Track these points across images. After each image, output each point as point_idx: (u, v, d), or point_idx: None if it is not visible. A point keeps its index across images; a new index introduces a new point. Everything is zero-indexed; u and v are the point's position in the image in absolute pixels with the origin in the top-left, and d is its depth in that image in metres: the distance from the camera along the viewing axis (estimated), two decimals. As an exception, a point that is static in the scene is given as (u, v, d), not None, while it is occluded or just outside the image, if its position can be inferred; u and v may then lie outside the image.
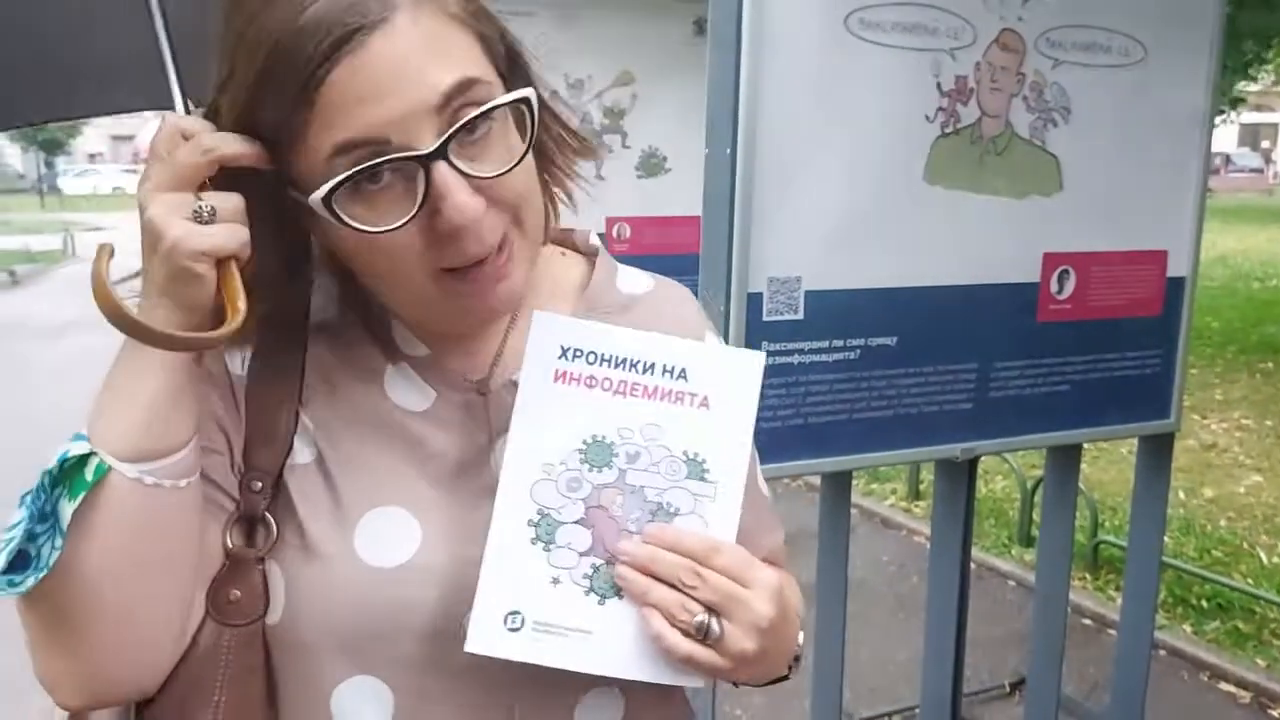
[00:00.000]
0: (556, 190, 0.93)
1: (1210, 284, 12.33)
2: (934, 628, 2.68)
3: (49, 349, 9.72)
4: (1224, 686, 3.76)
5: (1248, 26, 8.62)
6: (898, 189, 2.08)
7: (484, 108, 0.75)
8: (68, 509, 0.72)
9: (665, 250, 4.32)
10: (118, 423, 0.74)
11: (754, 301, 1.99)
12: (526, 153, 0.79)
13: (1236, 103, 14.75)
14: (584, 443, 0.78)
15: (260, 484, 0.83)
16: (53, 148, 45.21)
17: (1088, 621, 4.21)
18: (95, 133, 50.39)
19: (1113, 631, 3.72)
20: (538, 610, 0.76)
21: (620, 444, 0.78)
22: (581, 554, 0.77)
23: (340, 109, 0.71)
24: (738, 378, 0.80)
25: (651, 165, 4.32)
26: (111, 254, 0.71)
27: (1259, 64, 11.80)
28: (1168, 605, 4.23)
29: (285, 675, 0.84)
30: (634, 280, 1.01)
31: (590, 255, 1.00)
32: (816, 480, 3.10)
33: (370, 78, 0.71)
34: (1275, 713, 3.59)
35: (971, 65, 2.10)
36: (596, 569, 0.77)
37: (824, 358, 2.08)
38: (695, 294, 1.05)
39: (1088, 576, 4.54)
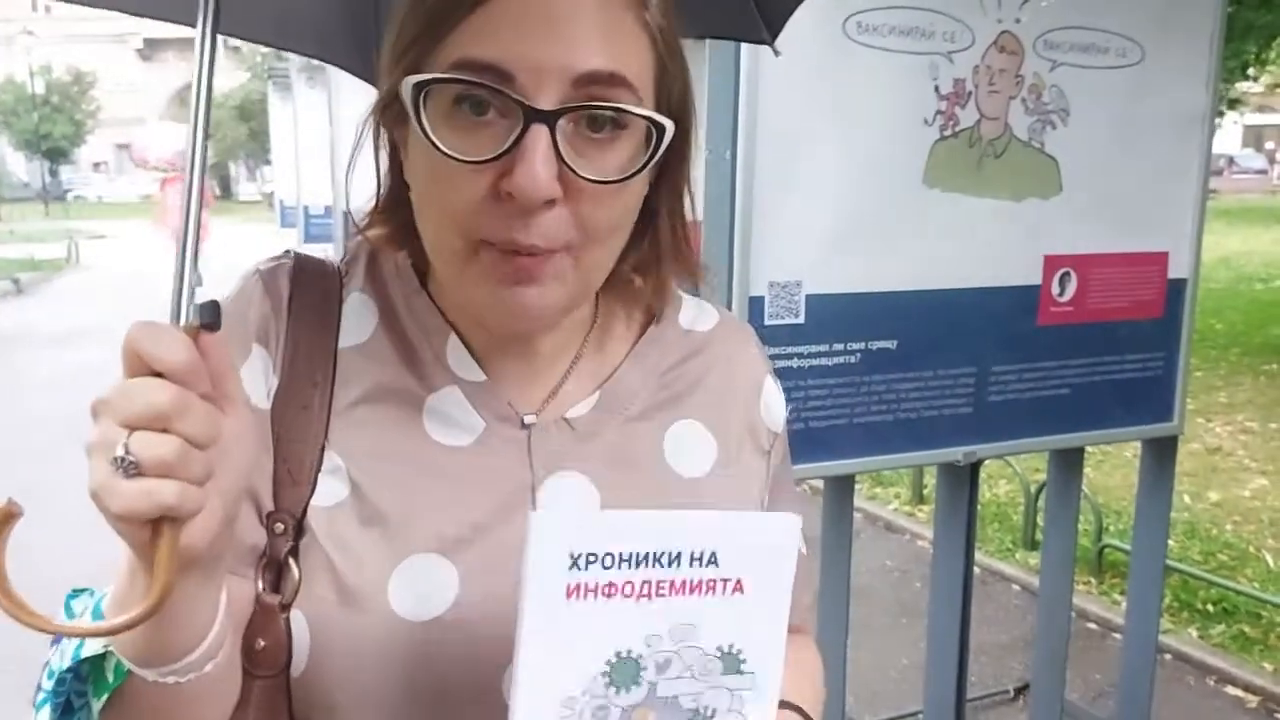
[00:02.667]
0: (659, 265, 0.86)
1: (1214, 286, 12.31)
2: (937, 633, 2.67)
3: (54, 356, 9.74)
4: (1230, 691, 3.74)
5: (1244, 25, 8.61)
6: (897, 192, 2.08)
7: (614, 105, 0.70)
8: (95, 704, 0.70)
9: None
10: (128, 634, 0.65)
11: (755, 305, 1.99)
12: (630, 177, 0.72)
13: (1235, 103, 14.74)
14: (608, 664, 0.66)
15: (283, 526, 0.77)
16: (57, 156, 45.39)
17: (1092, 626, 4.20)
18: (99, 141, 50.53)
19: (1118, 636, 3.70)
20: None
21: (649, 655, 0.67)
22: None
23: (493, 27, 0.69)
24: (773, 548, 0.69)
25: (653, 170, 4.33)
26: (16, 517, 0.59)
27: (1259, 64, 11.78)
28: (1173, 609, 4.22)
29: None
30: (698, 314, 0.94)
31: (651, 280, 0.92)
32: (819, 484, 3.09)
33: (536, 17, 0.69)
34: (1282, 716, 3.58)
35: (970, 68, 2.09)
36: None
37: (825, 361, 2.08)
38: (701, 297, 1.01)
39: (1092, 581, 4.52)
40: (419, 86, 0.70)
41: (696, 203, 0.86)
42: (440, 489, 0.79)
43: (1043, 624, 2.80)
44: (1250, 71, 11.98)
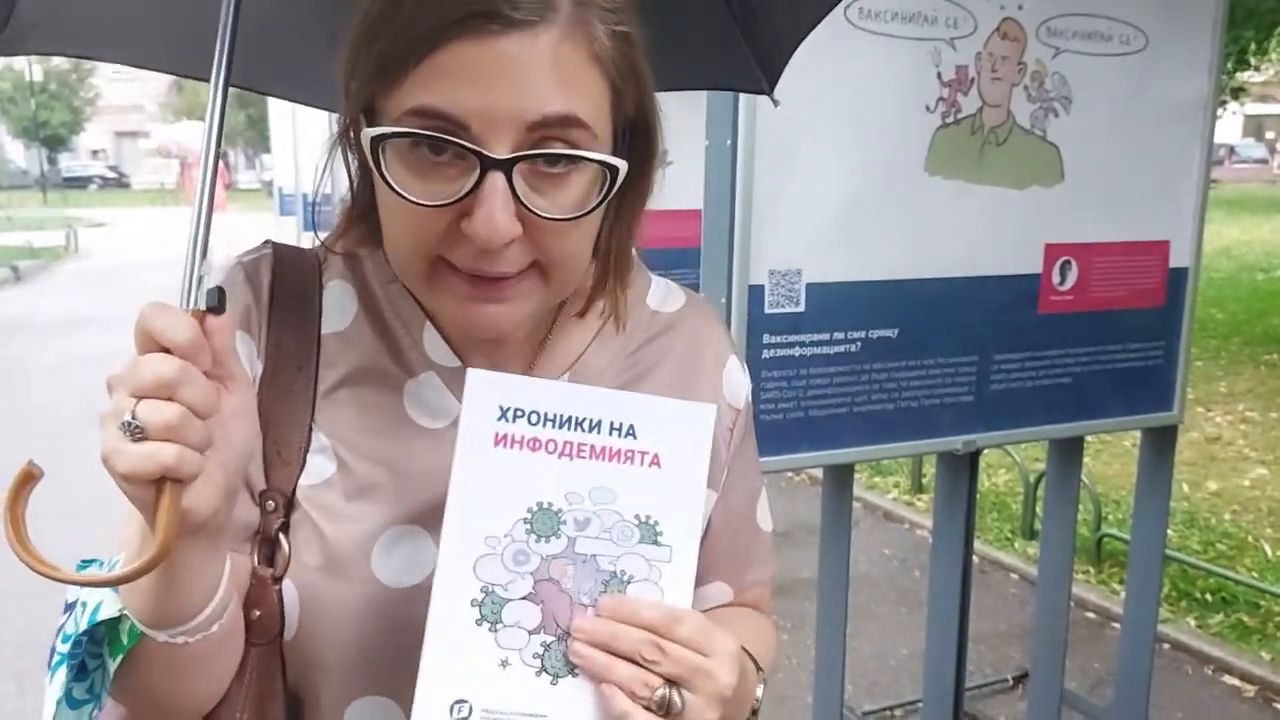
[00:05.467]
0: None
1: (1215, 275, 12.31)
2: (936, 621, 2.67)
3: (52, 344, 9.73)
4: (1228, 680, 3.74)
5: (1245, 12, 8.57)
6: (898, 180, 2.07)
7: (569, 152, 0.73)
8: (110, 664, 0.74)
9: (667, 244, 4.31)
10: (137, 593, 0.71)
11: (755, 294, 1.98)
12: (587, 214, 0.75)
13: (1237, 92, 14.70)
14: (529, 511, 0.73)
15: (274, 503, 0.82)
16: (55, 143, 45.30)
17: (1091, 615, 4.20)
18: (98, 128, 50.41)
19: (1116, 625, 3.71)
20: (486, 697, 0.72)
21: (568, 510, 0.73)
22: (531, 632, 0.73)
23: (444, 77, 0.71)
24: (688, 432, 0.75)
25: (653, 158, 4.30)
26: (36, 478, 0.65)
27: (1260, 53, 11.74)
28: (1172, 599, 4.22)
29: (300, 693, 0.83)
30: (665, 296, 0.98)
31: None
32: (819, 473, 3.09)
33: (487, 67, 0.70)
34: (1280, 705, 3.59)
35: (972, 55, 2.08)
36: (548, 647, 0.73)
37: (825, 350, 2.07)
38: (695, 288, 1.03)
39: (1091, 570, 4.52)
40: (377, 139, 0.73)
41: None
42: (420, 467, 0.83)
43: (1041, 613, 2.80)
44: (1252, 61, 11.94)
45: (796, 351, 2.05)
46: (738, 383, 0.98)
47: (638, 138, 0.80)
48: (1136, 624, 2.77)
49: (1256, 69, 13.42)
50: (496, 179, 0.71)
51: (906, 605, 4.25)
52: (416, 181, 0.73)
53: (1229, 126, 39.66)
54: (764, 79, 1.08)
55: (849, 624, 2.48)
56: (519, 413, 0.73)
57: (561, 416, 0.73)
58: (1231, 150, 37.58)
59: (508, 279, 0.76)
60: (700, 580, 0.95)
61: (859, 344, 2.10)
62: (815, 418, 2.09)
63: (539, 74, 0.71)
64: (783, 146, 1.94)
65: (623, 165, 0.76)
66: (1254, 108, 37.87)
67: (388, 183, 0.73)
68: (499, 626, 0.72)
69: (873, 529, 5.16)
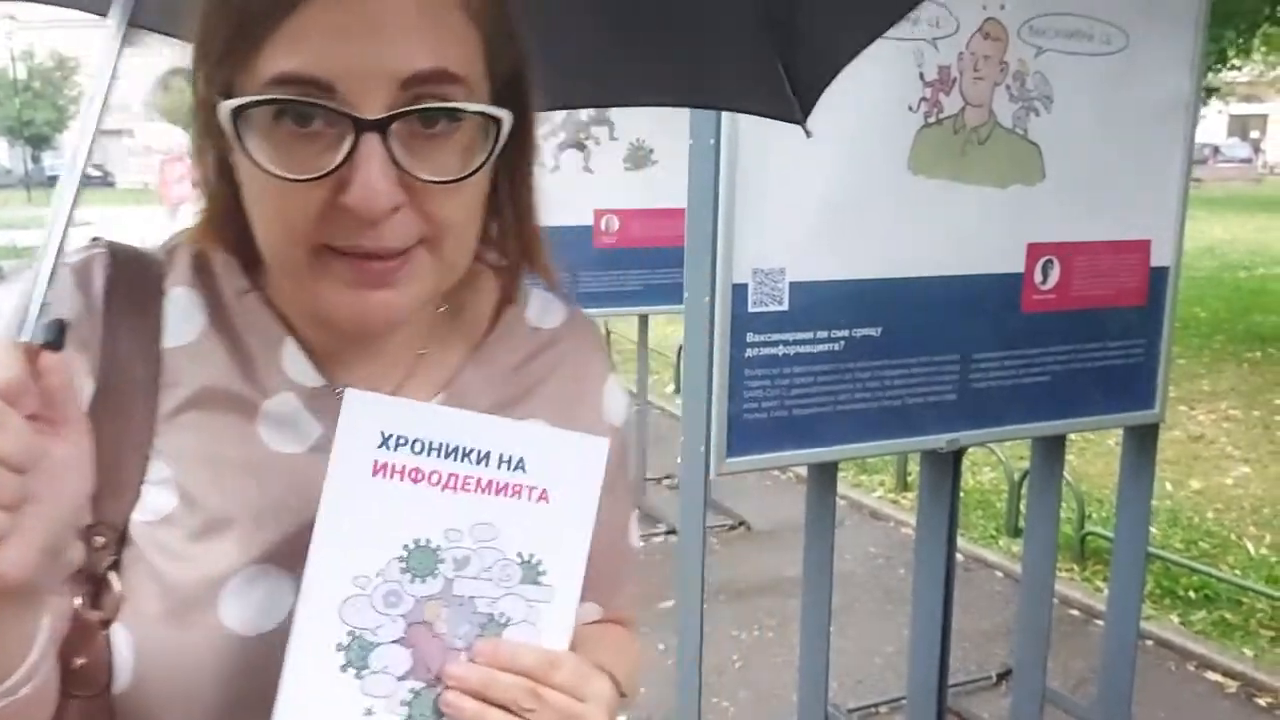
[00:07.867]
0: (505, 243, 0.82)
1: (1197, 274, 12.36)
2: (920, 619, 2.68)
3: (35, 344, 9.67)
4: (1211, 676, 3.76)
5: (1226, 12, 8.61)
6: (881, 180, 2.08)
7: (447, 104, 0.67)
8: None
9: (652, 243, 4.32)
10: None
11: (739, 293, 1.98)
12: (473, 173, 0.69)
13: (1211, 92, 14.76)
14: (405, 549, 0.67)
15: (102, 539, 0.71)
16: (39, 142, 45.03)
17: (1075, 613, 4.22)
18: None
19: (1100, 622, 3.72)
20: None
21: (447, 548, 0.68)
22: (399, 678, 0.67)
23: (303, 39, 0.65)
24: (580, 467, 0.71)
25: (639, 157, 4.31)
26: None
27: (1242, 53, 11.80)
28: (1155, 596, 4.24)
29: None
30: (544, 310, 0.91)
31: (499, 272, 0.89)
32: (803, 471, 3.10)
33: (347, 20, 0.65)
34: (1262, 702, 3.60)
35: (954, 55, 2.09)
36: (416, 694, 0.68)
37: (808, 349, 2.08)
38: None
39: (1074, 568, 4.54)
40: (237, 112, 0.66)
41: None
42: (276, 497, 0.75)
43: (1025, 610, 2.81)
44: (1235, 61, 12.00)
45: (780, 350, 2.05)
46: (618, 400, 0.93)
47: (516, 93, 0.74)
48: (1119, 621, 2.78)
49: (1238, 69, 13.49)
50: (372, 142, 0.65)
51: (891, 603, 4.26)
52: (284, 157, 0.66)
53: (1214, 126, 39.88)
54: (799, 109, 1.01)
55: (833, 622, 2.49)
56: (402, 440, 0.67)
57: (448, 446, 0.67)
58: (1216, 150, 37.74)
59: (395, 259, 0.69)
60: None
61: (842, 343, 2.11)
62: (799, 416, 2.09)
63: (408, 28, 0.66)
64: (766, 146, 1.94)
65: (506, 115, 0.70)
66: (1239, 107, 38.11)
67: (253, 160, 0.66)
68: (365, 673, 0.67)
69: (857, 527, 5.17)
